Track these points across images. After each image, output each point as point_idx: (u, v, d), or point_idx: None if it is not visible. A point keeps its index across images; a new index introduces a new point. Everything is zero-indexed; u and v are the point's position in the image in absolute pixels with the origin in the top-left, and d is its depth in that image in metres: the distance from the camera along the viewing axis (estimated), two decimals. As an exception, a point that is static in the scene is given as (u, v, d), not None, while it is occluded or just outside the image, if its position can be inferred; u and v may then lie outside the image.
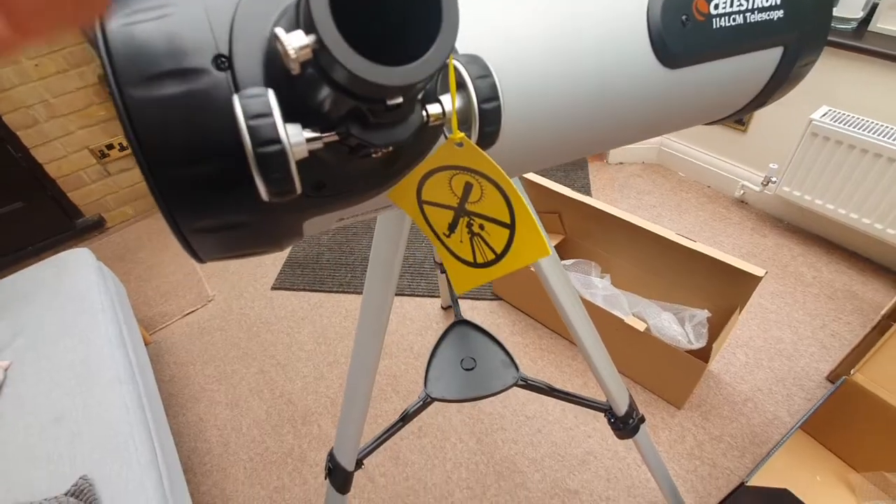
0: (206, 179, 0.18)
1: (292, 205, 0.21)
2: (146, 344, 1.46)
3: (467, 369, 0.87)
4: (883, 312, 1.12)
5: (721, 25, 0.28)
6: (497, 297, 1.55)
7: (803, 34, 0.31)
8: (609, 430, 1.21)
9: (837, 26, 1.36)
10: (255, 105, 0.14)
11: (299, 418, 1.31)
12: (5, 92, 1.64)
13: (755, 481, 0.96)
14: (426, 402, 0.83)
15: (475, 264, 0.20)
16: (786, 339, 1.37)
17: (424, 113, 0.17)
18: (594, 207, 1.26)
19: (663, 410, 1.24)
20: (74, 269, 1.28)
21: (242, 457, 1.25)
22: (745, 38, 0.29)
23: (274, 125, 0.14)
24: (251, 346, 1.52)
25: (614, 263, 1.36)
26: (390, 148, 0.16)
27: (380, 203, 0.23)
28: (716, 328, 1.19)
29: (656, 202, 1.85)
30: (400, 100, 0.14)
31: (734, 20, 0.28)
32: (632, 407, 0.75)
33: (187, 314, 1.64)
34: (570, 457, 1.17)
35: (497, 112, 0.16)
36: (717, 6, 0.27)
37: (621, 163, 2.04)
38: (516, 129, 0.22)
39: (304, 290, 1.68)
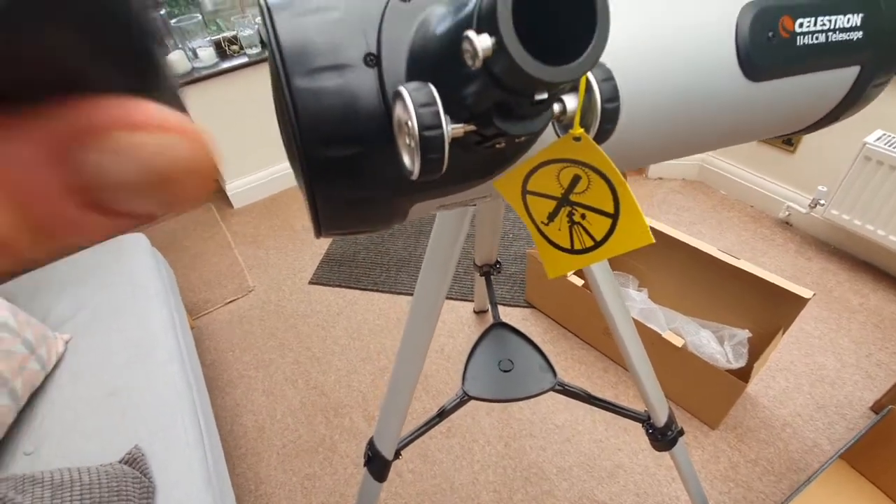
0: (348, 160, 0.21)
1: (414, 186, 0.23)
2: (190, 328, 1.53)
3: (505, 371, 0.88)
4: (936, 344, 1.08)
5: (804, 43, 0.29)
6: (530, 305, 1.56)
7: (880, 55, 0.32)
8: (640, 444, 1.20)
9: (897, 48, 1.32)
10: (422, 96, 0.17)
11: (332, 410, 1.35)
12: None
13: (792, 507, 0.94)
14: (463, 399, 0.85)
15: (572, 251, 0.22)
16: (829, 365, 1.33)
17: (553, 110, 0.19)
18: (635, 220, 1.26)
19: (696, 430, 1.23)
20: (131, 253, 1.35)
21: (276, 443, 1.29)
22: (825, 55, 0.30)
23: (437, 112, 0.16)
24: (287, 336, 1.57)
25: (652, 278, 1.36)
26: (523, 138, 0.18)
27: (483, 192, 0.26)
28: (756, 349, 1.16)
29: (696, 219, 1.82)
30: (546, 95, 0.16)
31: (817, 38, 0.29)
32: (671, 419, 0.76)
33: (228, 302, 1.71)
34: (599, 468, 1.17)
35: (617, 111, 0.18)
36: (801, 24, 0.29)
37: (661, 178, 2.02)
38: (622, 128, 0.24)
39: (340, 286, 1.72)
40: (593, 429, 1.24)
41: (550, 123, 0.21)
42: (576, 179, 0.21)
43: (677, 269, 1.28)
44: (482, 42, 0.14)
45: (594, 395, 0.83)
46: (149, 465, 0.88)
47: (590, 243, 0.22)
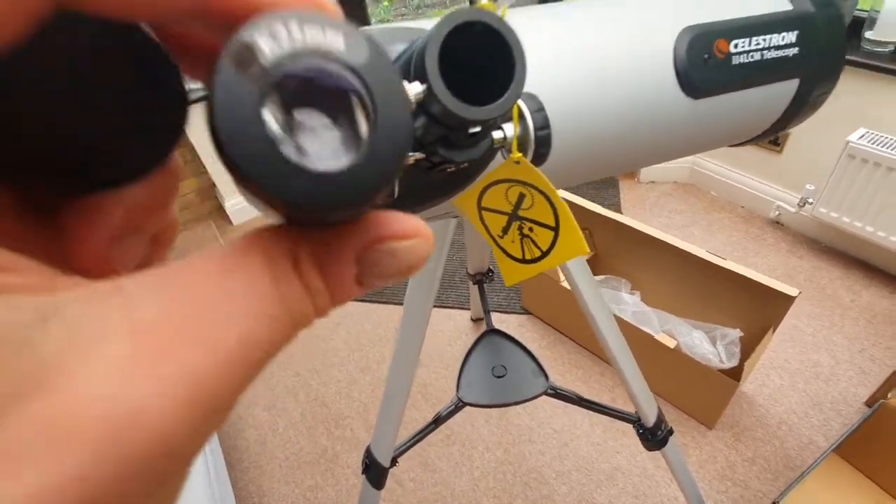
0: None
1: (382, 208, 0.26)
2: (192, 345, 1.55)
3: (498, 377, 0.90)
4: (924, 337, 1.09)
5: (740, 62, 0.32)
6: (526, 312, 1.58)
7: (817, 68, 0.35)
8: (638, 446, 1.21)
9: (875, 49, 1.35)
10: None
11: (332, 421, 1.36)
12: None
13: (787, 503, 0.95)
14: (458, 406, 0.87)
15: (524, 260, 0.25)
16: (823, 362, 1.34)
17: (491, 137, 0.21)
18: (624, 224, 1.28)
19: (694, 430, 1.24)
20: (132, 272, 1.38)
21: (278, 455, 1.30)
22: (762, 72, 0.33)
23: None
24: (287, 350, 1.58)
25: (644, 281, 1.38)
26: (465, 164, 0.20)
27: (443, 209, 0.28)
28: (748, 348, 1.18)
29: (688, 221, 1.84)
30: (479, 128, 0.19)
31: (752, 57, 0.32)
32: (660, 418, 0.77)
33: (229, 318, 1.73)
34: (598, 471, 1.18)
35: (548, 137, 0.21)
36: (736, 45, 0.31)
37: (653, 182, 2.05)
38: (561, 150, 0.27)
39: (339, 298, 1.74)
40: (591, 432, 1.25)
41: (499, 148, 0.23)
42: (521, 197, 0.23)
43: (668, 271, 1.30)
44: (413, 89, 0.16)
45: (585, 397, 0.84)
46: (152, 480, 0.90)
47: (538, 253, 0.24)
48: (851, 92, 1.42)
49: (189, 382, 0.08)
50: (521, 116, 0.21)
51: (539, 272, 0.24)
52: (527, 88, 0.25)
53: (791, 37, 0.33)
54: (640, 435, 0.79)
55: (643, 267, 1.36)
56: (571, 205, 1.38)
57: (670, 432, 0.78)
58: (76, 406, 0.07)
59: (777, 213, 1.73)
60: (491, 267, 1.15)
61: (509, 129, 0.21)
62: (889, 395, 0.99)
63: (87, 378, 0.07)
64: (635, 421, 0.79)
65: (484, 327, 1.01)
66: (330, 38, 0.09)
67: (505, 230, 0.25)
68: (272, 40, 0.08)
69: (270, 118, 0.09)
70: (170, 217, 0.13)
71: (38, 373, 0.07)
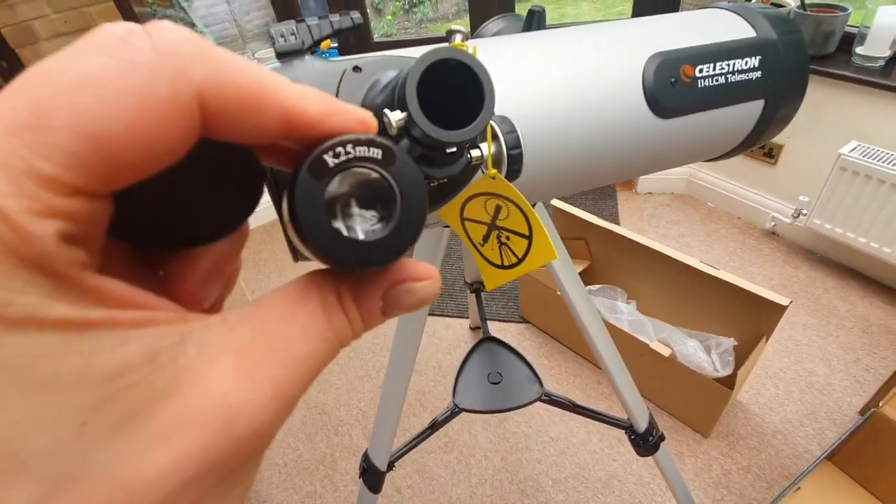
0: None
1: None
2: (194, 352, 1.58)
3: (494, 383, 0.92)
4: (915, 347, 1.11)
5: (705, 85, 0.34)
6: (524, 321, 1.60)
7: (781, 89, 0.38)
8: (633, 454, 1.22)
9: (865, 65, 1.39)
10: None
11: (332, 428, 1.38)
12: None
13: (780, 511, 0.96)
14: (454, 412, 0.89)
15: (503, 266, 0.27)
16: (818, 372, 1.36)
17: (469, 155, 0.24)
18: (620, 235, 1.31)
19: (689, 438, 1.25)
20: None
21: (277, 462, 1.32)
22: (727, 94, 0.35)
23: None
24: (289, 358, 1.60)
25: (640, 290, 1.40)
26: (445, 179, 0.23)
27: (432, 220, 0.30)
28: (743, 357, 1.19)
29: (685, 232, 1.87)
30: (455, 149, 0.21)
31: (717, 80, 0.35)
32: (651, 424, 0.79)
33: (231, 326, 1.75)
34: (594, 479, 1.19)
35: (520, 156, 0.23)
36: (701, 70, 0.34)
37: (650, 192, 2.08)
38: (536, 167, 0.29)
39: (340, 307, 1.77)
40: (587, 440, 1.26)
41: (477, 165, 0.26)
42: (498, 208, 0.26)
43: (664, 281, 1.32)
44: (395, 117, 0.19)
45: (578, 403, 0.86)
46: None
47: (514, 260, 0.26)
48: (843, 106, 1.45)
49: (275, 385, 0.11)
50: (496, 137, 0.24)
51: (516, 277, 0.26)
52: (504, 111, 0.28)
53: (754, 61, 0.36)
54: (631, 441, 0.81)
55: (639, 276, 1.38)
56: (567, 215, 1.41)
57: (661, 438, 0.80)
58: (204, 400, 0.10)
59: (773, 223, 1.76)
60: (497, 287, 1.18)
61: (485, 149, 0.24)
62: (881, 404, 1.01)
63: (211, 382, 0.11)
64: (627, 427, 0.81)
65: (482, 336, 1.03)
66: (372, 152, 0.13)
67: (485, 238, 0.28)
68: (334, 157, 0.13)
69: (330, 209, 0.13)
70: (238, 263, 0.18)
71: (180, 378, 0.10)
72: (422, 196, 0.14)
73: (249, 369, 0.11)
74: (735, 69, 0.35)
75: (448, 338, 1.58)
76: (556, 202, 1.43)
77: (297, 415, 1.42)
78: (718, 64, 0.34)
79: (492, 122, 0.24)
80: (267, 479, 1.28)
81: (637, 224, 1.93)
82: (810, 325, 1.47)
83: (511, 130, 0.24)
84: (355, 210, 0.13)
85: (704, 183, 1.95)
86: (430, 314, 1.67)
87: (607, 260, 1.44)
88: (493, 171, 0.24)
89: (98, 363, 0.09)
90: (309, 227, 0.12)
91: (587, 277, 1.48)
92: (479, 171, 0.28)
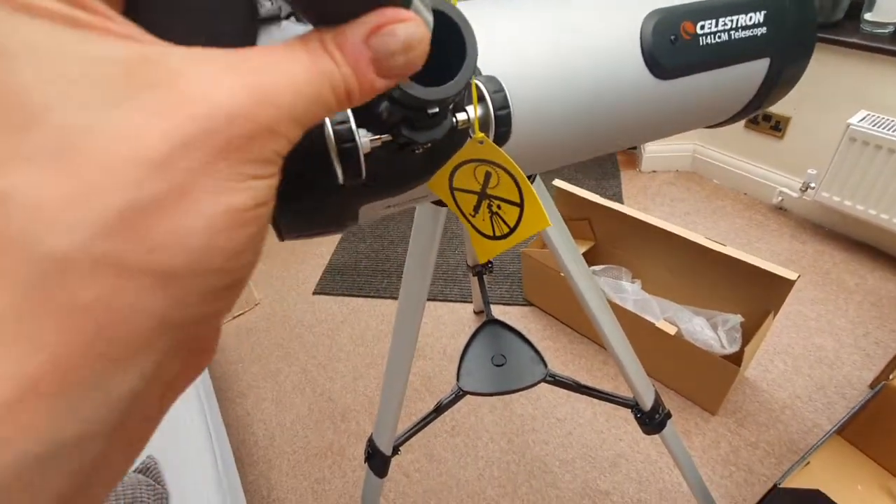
0: (297, 174, 0.25)
1: (355, 191, 0.27)
2: (200, 343, 1.58)
3: (498, 365, 0.91)
4: (927, 318, 1.09)
5: (707, 43, 0.32)
6: (529, 303, 1.59)
7: (787, 48, 0.36)
8: (640, 433, 1.21)
9: (874, 31, 1.34)
10: (338, 115, 0.20)
11: (339, 415, 1.38)
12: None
13: (790, 484, 0.95)
14: (458, 395, 0.88)
15: (494, 237, 0.26)
16: (827, 346, 1.34)
17: (455, 119, 0.23)
18: (623, 213, 1.29)
19: (697, 416, 1.24)
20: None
21: (286, 450, 1.33)
22: (730, 52, 0.33)
23: (351, 128, 0.20)
24: (294, 346, 1.61)
25: (645, 269, 1.38)
26: (429, 144, 0.22)
27: (421, 192, 0.29)
28: (750, 333, 1.18)
29: (690, 209, 1.84)
30: (437, 109, 0.20)
31: (719, 38, 0.33)
32: (657, 402, 0.78)
33: (236, 316, 1.76)
34: (601, 459, 1.19)
35: (508, 117, 0.22)
36: (703, 27, 0.32)
37: (654, 171, 2.04)
38: (527, 132, 0.28)
39: (344, 295, 1.77)
40: (594, 420, 1.26)
41: (465, 130, 0.25)
42: (488, 175, 0.24)
43: (668, 259, 1.31)
44: None
45: (582, 383, 0.85)
46: (162, 474, 0.92)
47: (506, 230, 0.25)
48: (851, 74, 1.41)
49: (266, 89, 0.12)
50: (482, 98, 0.22)
51: (509, 247, 0.25)
52: (492, 71, 0.27)
53: (758, 17, 0.34)
54: (637, 419, 0.80)
55: (643, 255, 1.36)
56: (569, 195, 1.39)
57: (668, 416, 0.79)
58: (202, 86, 0.11)
59: (780, 198, 1.73)
60: (490, 259, 1.16)
61: (472, 111, 0.22)
62: (892, 377, 0.99)
63: (202, 76, 0.11)
64: (633, 405, 0.80)
65: (485, 319, 1.02)
66: None
67: (476, 209, 0.26)
68: None
69: None
70: None
71: (173, 76, 0.11)
72: None
73: (244, 73, 0.12)
74: (739, 25, 0.33)
75: (452, 322, 1.58)
76: (558, 182, 1.41)
77: (303, 403, 1.43)
78: (721, 19, 0.32)
79: (478, 81, 0.23)
80: (277, 466, 1.29)
81: (641, 203, 1.90)
82: (819, 299, 1.46)
83: (498, 90, 0.22)
84: None
85: (710, 159, 1.92)
86: (433, 299, 1.66)
87: (611, 240, 1.42)
88: (481, 134, 0.23)
89: (97, 50, 0.10)
90: None
91: (591, 258, 1.47)
92: (468, 136, 0.26)
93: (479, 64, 0.25)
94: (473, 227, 0.27)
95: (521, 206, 0.24)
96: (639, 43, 0.31)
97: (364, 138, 0.21)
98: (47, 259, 0.09)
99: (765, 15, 0.34)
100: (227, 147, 0.11)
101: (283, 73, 0.12)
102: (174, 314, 0.11)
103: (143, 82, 0.11)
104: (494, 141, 0.23)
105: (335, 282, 1.82)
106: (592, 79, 0.29)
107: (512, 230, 0.25)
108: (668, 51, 0.31)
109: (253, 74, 0.12)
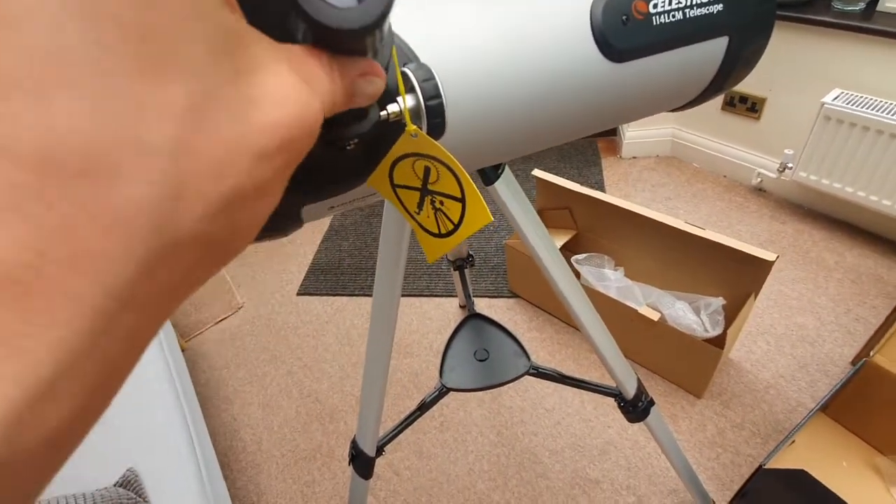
0: None
1: (289, 194, 0.25)
2: (182, 350, 1.55)
3: (481, 360, 0.90)
4: (904, 293, 1.10)
5: (661, 22, 0.31)
6: (514, 295, 1.58)
7: (746, 24, 0.34)
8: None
9: (846, 8, 1.35)
10: None
11: (327, 416, 1.37)
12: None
13: (775, 464, 0.96)
14: (441, 391, 0.87)
15: (440, 234, 0.24)
16: (808, 325, 1.35)
17: (385, 112, 0.21)
18: (603, 201, 1.28)
19: (683, 400, 1.25)
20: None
21: (275, 453, 1.31)
22: (686, 31, 0.32)
23: None
24: (279, 349, 1.59)
25: (627, 256, 1.38)
26: (355, 140, 0.20)
27: (363, 191, 0.28)
28: (733, 315, 1.19)
29: (671, 194, 1.84)
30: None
31: (674, 16, 0.31)
32: (640, 390, 0.78)
33: (219, 321, 1.73)
34: (590, 447, 1.19)
35: (440, 107, 0.20)
36: (655, 5, 0.31)
37: (635, 157, 2.04)
38: (467, 123, 0.26)
39: (328, 294, 1.74)
40: (582, 409, 1.26)
41: (395, 122, 0.23)
42: (427, 170, 0.23)
43: (649, 245, 1.30)
44: None
45: (566, 374, 0.85)
46: (143, 487, 0.90)
47: (451, 227, 0.24)
48: (824, 53, 1.41)
49: (315, 103, 0.14)
50: (411, 88, 0.21)
51: (455, 244, 0.24)
52: (425, 59, 0.25)
53: (714, -7, 0.32)
54: (621, 408, 0.80)
55: (625, 242, 1.36)
56: (549, 184, 1.38)
57: (651, 403, 0.79)
58: (283, 89, 0.13)
59: (759, 180, 1.73)
60: (471, 252, 1.15)
61: (402, 102, 0.21)
62: (872, 353, 1.00)
63: (282, 79, 0.13)
64: (616, 394, 0.80)
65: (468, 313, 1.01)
66: None
67: (419, 205, 0.25)
68: None
69: None
70: None
71: (261, 65, 0.13)
72: None
73: (299, 80, 0.14)
74: (693, 2, 0.32)
75: (438, 317, 1.57)
76: (538, 172, 1.40)
77: (290, 405, 1.41)
78: (674, -3, 0.31)
79: (406, 69, 0.21)
80: (265, 471, 1.28)
81: (623, 189, 1.90)
82: (799, 278, 1.47)
83: (428, 78, 0.21)
84: None
85: (689, 143, 1.92)
86: (419, 294, 1.65)
87: (593, 228, 1.41)
88: (413, 126, 0.21)
89: (225, 19, 0.12)
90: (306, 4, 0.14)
91: (573, 247, 1.46)
92: (402, 129, 0.25)
93: (415, 50, 0.24)
94: (419, 224, 0.25)
95: (462, 201, 0.22)
96: (589, 24, 0.29)
97: None
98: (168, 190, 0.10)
99: (720, -9, 0.33)
100: (298, 157, 0.14)
101: (320, 88, 0.14)
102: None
103: (245, 65, 0.12)
104: (429, 133, 0.21)
105: (319, 281, 1.80)
106: (539, 64, 0.28)
107: (456, 227, 0.23)
108: (621, 32, 0.30)
109: (308, 83, 0.14)
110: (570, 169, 2.03)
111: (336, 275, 1.81)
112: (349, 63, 0.16)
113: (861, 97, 1.34)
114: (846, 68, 1.39)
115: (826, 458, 1.03)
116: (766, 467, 0.92)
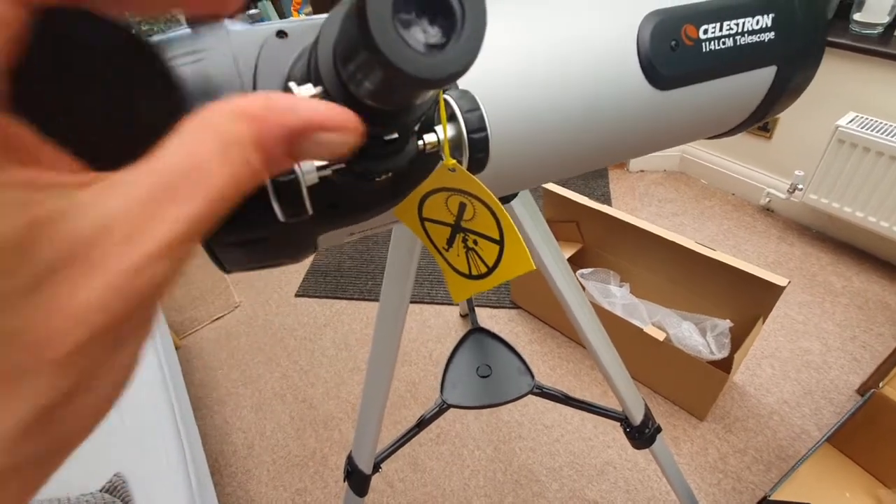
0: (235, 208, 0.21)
1: (307, 222, 0.23)
2: (176, 348, 1.52)
3: (483, 376, 0.88)
4: (915, 324, 1.08)
5: (711, 49, 0.29)
6: (516, 306, 1.56)
7: (796, 54, 0.32)
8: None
9: (863, 32, 1.33)
10: None
11: (321, 422, 1.34)
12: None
13: (780, 495, 0.94)
14: (442, 408, 0.85)
15: (470, 276, 0.22)
16: (814, 350, 1.33)
17: (422, 142, 0.19)
18: (612, 216, 1.26)
19: (685, 422, 1.23)
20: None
21: (266, 459, 1.28)
22: (735, 60, 0.30)
23: None
24: (275, 351, 1.56)
25: (633, 272, 1.36)
26: (389, 174, 0.18)
27: (386, 220, 0.25)
28: (739, 338, 1.17)
29: (678, 210, 1.83)
30: (396, 135, 0.16)
31: (724, 43, 0.29)
32: (647, 416, 0.75)
33: (215, 319, 1.70)
34: (589, 467, 1.17)
35: (485, 141, 0.18)
36: (706, 31, 0.29)
37: (642, 171, 2.03)
38: (509, 154, 0.24)
39: (327, 297, 1.72)
40: (582, 427, 1.24)
41: (436, 154, 0.21)
42: (462, 207, 0.21)
43: (658, 262, 1.28)
44: (303, 91, 0.14)
45: (571, 395, 0.83)
46: (130, 492, 0.87)
47: (484, 269, 0.22)
48: (840, 75, 1.40)
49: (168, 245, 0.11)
50: (453, 117, 0.18)
51: (487, 288, 0.22)
52: (466, 85, 0.23)
53: (766, 20, 0.30)
54: (627, 434, 0.77)
55: (632, 258, 1.34)
56: (557, 197, 1.36)
57: (658, 430, 0.77)
58: (101, 277, 0.10)
59: (767, 199, 1.72)
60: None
61: (441, 132, 0.19)
62: (881, 385, 0.98)
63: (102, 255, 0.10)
64: (622, 419, 0.77)
65: (470, 325, 0.99)
66: None
67: (450, 242, 0.23)
68: None
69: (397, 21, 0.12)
70: None
71: (75, 249, 0.10)
72: (482, 15, 0.14)
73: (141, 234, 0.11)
74: (745, 29, 0.30)
75: (438, 326, 1.54)
76: (547, 184, 1.38)
77: (284, 410, 1.39)
78: (726, 23, 0.29)
79: (447, 97, 0.19)
80: (256, 477, 1.25)
81: (629, 203, 1.88)
82: (806, 302, 1.45)
83: (473, 108, 0.18)
84: (418, 23, 0.13)
85: (698, 159, 1.90)
86: (419, 302, 1.62)
87: (599, 242, 1.39)
88: (452, 161, 0.19)
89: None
90: (380, 38, 0.12)
91: (579, 260, 1.44)
92: (439, 160, 0.23)
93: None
94: (447, 262, 0.23)
95: (500, 243, 0.20)
96: (636, 49, 0.27)
97: (308, 167, 0.17)
98: None
99: (773, 18, 0.30)
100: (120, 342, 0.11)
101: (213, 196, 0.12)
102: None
103: (52, 254, 0.10)
104: (469, 168, 0.19)
105: (318, 283, 1.77)
106: (583, 92, 0.26)
107: (490, 270, 0.21)
108: (668, 58, 0.28)
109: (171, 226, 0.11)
110: (577, 181, 2.01)
111: (336, 277, 1.79)
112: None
113: (876, 122, 1.32)
114: (862, 91, 1.37)
115: (830, 489, 1.01)
116: (770, 499, 0.90)
